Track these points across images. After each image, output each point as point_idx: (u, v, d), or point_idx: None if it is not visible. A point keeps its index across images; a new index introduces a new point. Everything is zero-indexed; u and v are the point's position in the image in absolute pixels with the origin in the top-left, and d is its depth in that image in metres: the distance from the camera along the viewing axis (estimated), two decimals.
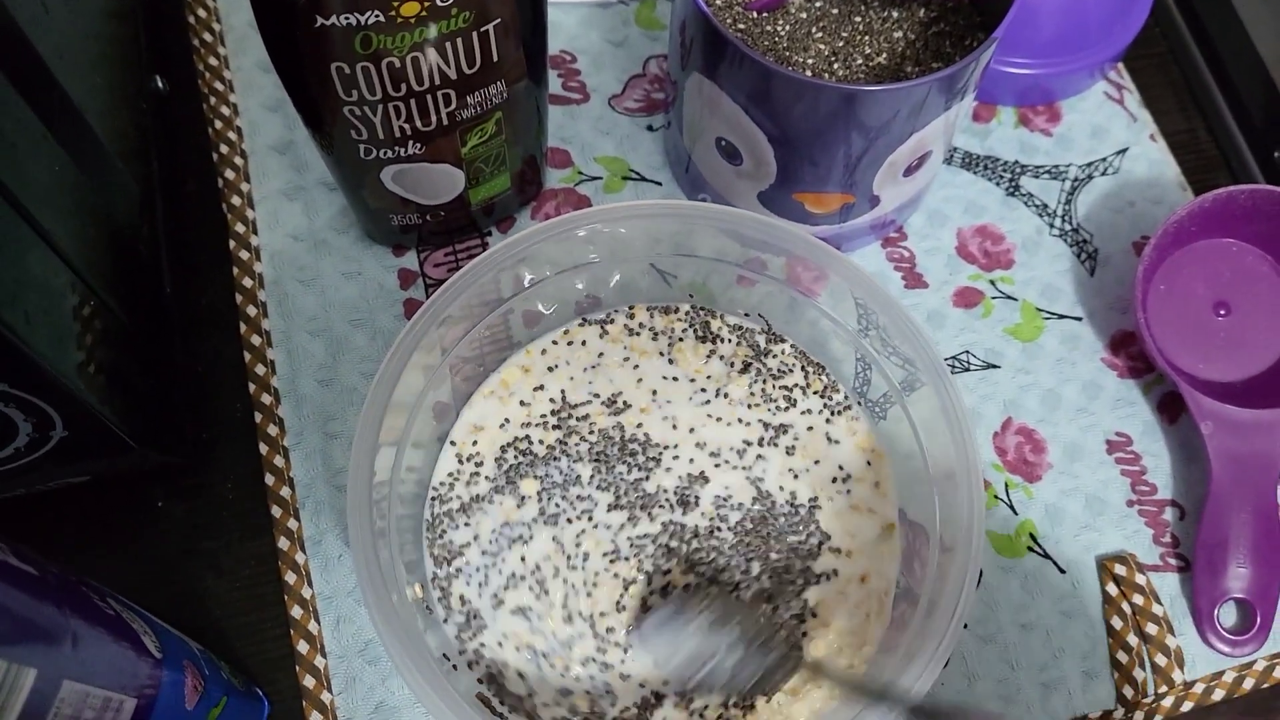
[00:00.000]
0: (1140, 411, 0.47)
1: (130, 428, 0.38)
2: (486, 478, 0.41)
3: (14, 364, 0.31)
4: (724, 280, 0.43)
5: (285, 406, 0.45)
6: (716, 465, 0.42)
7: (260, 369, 0.45)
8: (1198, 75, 0.56)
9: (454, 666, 0.38)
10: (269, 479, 0.44)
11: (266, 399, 0.45)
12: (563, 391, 0.43)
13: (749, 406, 0.43)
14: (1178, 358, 0.47)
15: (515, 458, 0.42)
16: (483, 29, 0.36)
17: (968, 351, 0.48)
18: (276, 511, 0.43)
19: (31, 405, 0.34)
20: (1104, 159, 0.52)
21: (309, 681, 0.41)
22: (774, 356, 0.44)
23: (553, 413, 0.42)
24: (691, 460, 0.42)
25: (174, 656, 0.34)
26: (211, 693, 0.37)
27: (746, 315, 0.44)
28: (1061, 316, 0.49)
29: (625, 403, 0.43)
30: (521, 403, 0.43)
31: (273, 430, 0.44)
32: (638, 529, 0.41)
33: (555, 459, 0.42)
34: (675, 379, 0.43)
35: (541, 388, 0.43)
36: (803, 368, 0.44)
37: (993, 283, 0.49)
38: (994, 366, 0.47)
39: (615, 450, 0.42)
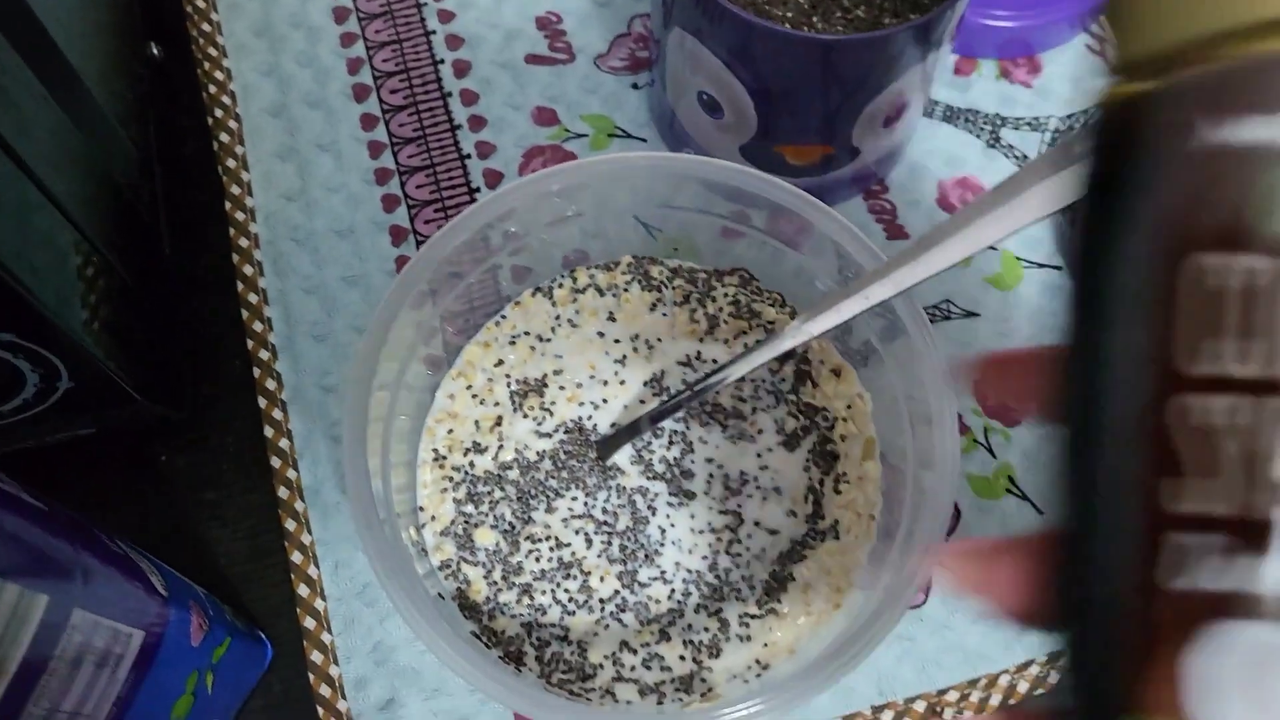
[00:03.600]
0: None
1: (133, 380, 0.39)
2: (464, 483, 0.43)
3: (21, 315, 0.33)
4: (708, 234, 0.44)
5: (282, 362, 0.46)
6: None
7: (258, 326, 0.47)
8: None
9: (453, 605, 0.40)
10: (268, 431, 0.45)
11: (264, 355, 0.46)
12: (511, 375, 0.44)
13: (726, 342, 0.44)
14: None
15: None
16: None
17: (948, 300, 0.49)
18: (276, 462, 0.45)
19: (39, 356, 0.35)
20: (1084, 110, 0.53)
21: (309, 623, 0.42)
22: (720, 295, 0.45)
23: (514, 394, 0.44)
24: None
25: (179, 596, 0.36)
26: (216, 632, 0.38)
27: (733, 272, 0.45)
28: (1041, 265, 0.50)
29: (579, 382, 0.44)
30: (487, 380, 0.44)
31: (271, 385, 0.46)
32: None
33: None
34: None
35: (501, 363, 0.44)
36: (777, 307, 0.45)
37: None
38: (974, 315, 0.49)
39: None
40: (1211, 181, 0.16)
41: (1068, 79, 0.53)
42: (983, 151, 0.52)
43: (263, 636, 0.43)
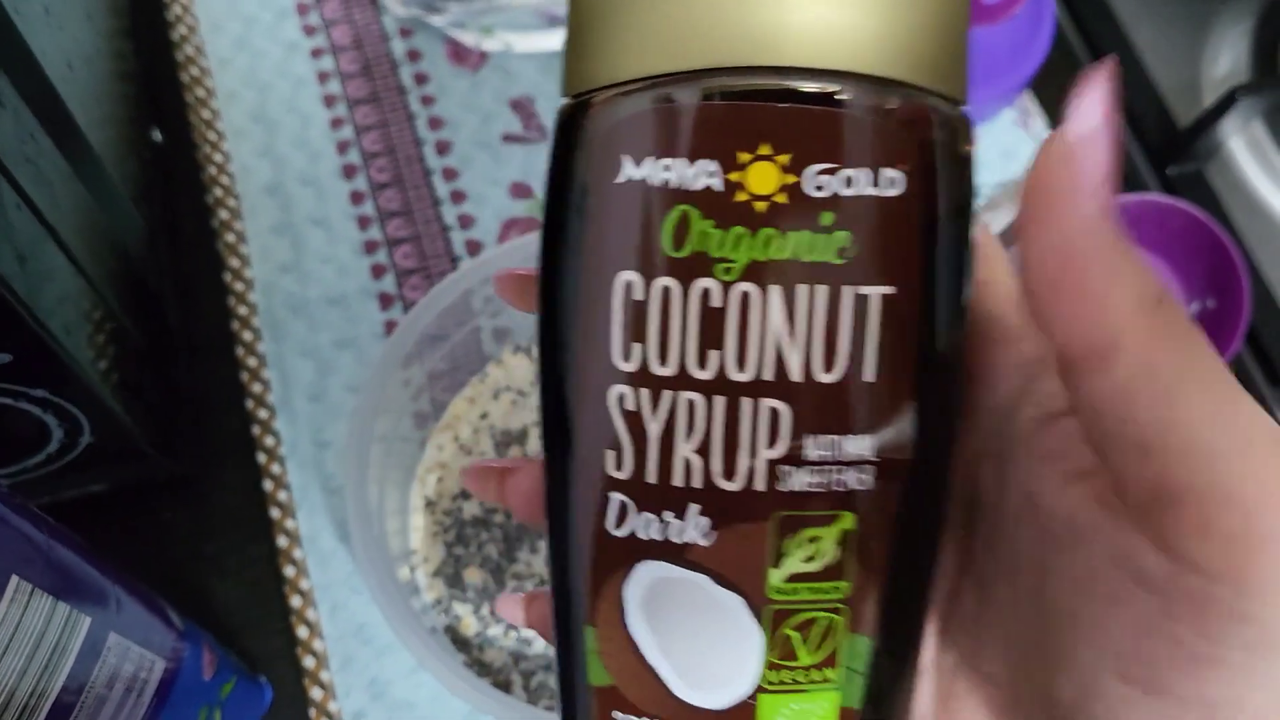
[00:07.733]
0: None
1: (148, 436, 0.43)
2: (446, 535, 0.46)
3: (55, 371, 0.36)
4: None
5: (280, 420, 0.49)
6: None
7: (257, 387, 0.50)
8: None
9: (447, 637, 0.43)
10: (267, 485, 0.48)
11: (263, 414, 0.49)
12: (495, 427, 0.47)
13: None
14: None
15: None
16: (862, 289, 0.19)
17: None
18: (275, 513, 0.48)
19: (66, 411, 0.38)
20: (1013, 178, 0.58)
21: (309, 662, 0.45)
22: None
23: (497, 445, 0.47)
24: None
25: (193, 633, 0.39)
26: (223, 671, 0.41)
27: None
28: None
29: None
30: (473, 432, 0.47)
31: (270, 441, 0.49)
32: None
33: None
34: None
35: (485, 415, 0.48)
36: None
37: None
38: None
39: None
40: (633, 211, 0.19)
41: (999, 149, 0.58)
42: None
43: (262, 680, 0.45)
